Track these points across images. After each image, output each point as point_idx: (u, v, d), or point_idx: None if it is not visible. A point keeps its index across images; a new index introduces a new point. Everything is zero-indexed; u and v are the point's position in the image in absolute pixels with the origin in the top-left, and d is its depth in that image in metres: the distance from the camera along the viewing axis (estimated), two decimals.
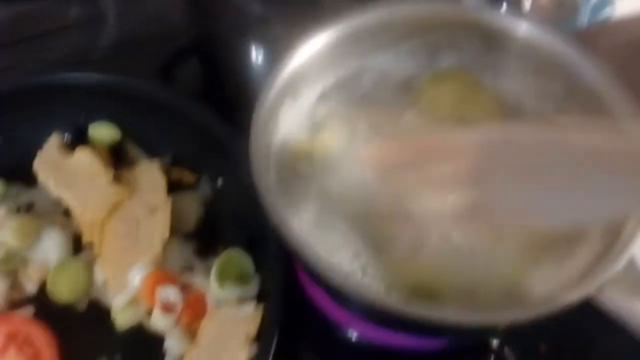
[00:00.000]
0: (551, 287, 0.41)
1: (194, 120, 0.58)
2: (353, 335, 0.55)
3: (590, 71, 0.48)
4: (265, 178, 0.44)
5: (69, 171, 0.57)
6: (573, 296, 0.38)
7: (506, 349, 0.57)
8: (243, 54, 0.78)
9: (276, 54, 0.76)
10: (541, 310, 0.37)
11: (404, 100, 0.53)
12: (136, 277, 0.52)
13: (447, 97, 0.52)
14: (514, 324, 0.38)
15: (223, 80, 0.74)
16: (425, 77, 0.52)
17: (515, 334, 0.56)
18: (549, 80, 0.50)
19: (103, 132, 0.62)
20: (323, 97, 0.54)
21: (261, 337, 0.48)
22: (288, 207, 0.45)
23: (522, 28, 0.51)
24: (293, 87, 0.51)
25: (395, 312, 0.38)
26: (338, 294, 0.45)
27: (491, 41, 0.52)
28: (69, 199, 0.56)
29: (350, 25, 0.52)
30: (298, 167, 0.48)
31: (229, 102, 0.62)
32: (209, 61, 0.78)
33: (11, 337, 0.50)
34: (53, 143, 0.60)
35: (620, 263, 0.39)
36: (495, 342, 0.57)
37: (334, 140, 0.50)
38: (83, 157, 0.58)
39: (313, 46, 0.52)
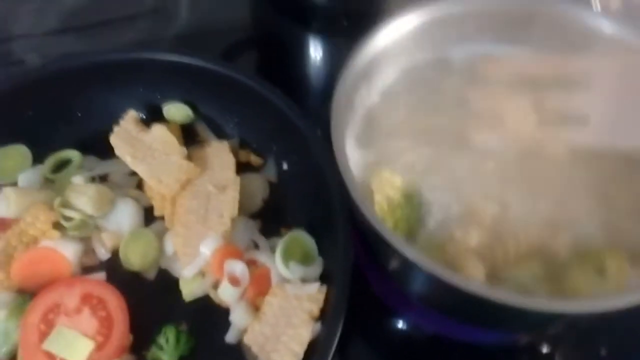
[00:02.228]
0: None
1: (266, 103, 0.60)
2: (407, 323, 0.56)
3: None
4: (346, 157, 0.44)
5: (145, 146, 0.60)
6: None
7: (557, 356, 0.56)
8: (304, 46, 0.80)
9: (338, 47, 0.79)
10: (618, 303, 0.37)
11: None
12: (206, 250, 0.54)
13: None
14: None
15: (281, 72, 0.76)
16: None
17: (573, 337, 0.55)
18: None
19: (177, 111, 0.64)
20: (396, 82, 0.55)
21: (326, 317, 0.49)
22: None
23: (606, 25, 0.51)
24: (368, 72, 0.52)
25: (467, 292, 0.38)
26: (407, 272, 0.46)
27: (573, 38, 0.52)
28: (144, 172, 0.58)
29: (429, 13, 0.53)
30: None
31: (287, 91, 0.63)
32: (268, 52, 0.80)
33: (86, 299, 0.52)
34: (130, 118, 0.62)
35: None
36: (545, 347, 0.56)
37: None
38: (158, 133, 0.60)
39: (389, 34, 0.53)
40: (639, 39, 0.49)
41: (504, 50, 0.54)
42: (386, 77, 0.54)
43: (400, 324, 0.56)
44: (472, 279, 0.42)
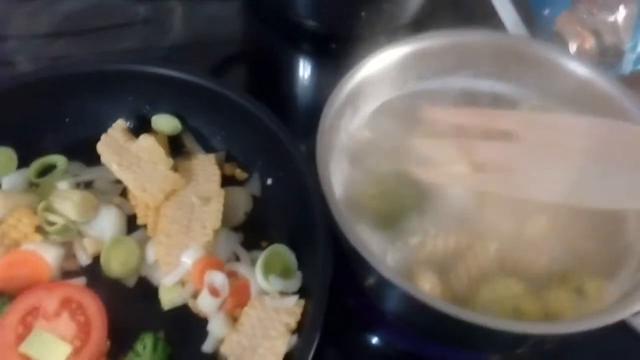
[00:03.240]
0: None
1: (253, 119, 0.61)
2: (382, 339, 0.57)
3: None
4: (330, 179, 0.46)
5: (131, 155, 0.60)
6: (610, 317, 0.40)
7: None
8: (293, 65, 0.82)
9: (326, 68, 0.81)
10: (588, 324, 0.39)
11: None
12: (187, 260, 0.55)
13: None
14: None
15: (270, 89, 0.78)
16: None
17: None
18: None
19: (166, 123, 0.65)
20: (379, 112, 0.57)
21: (303, 330, 0.51)
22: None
23: (574, 66, 0.54)
24: (354, 100, 0.55)
25: (442, 313, 0.40)
26: (383, 292, 0.48)
27: (544, 73, 0.55)
28: (129, 180, 0.59)
29: (415, 47, 0.56)
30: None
31: (273, 108, 0.65)
32: (258, 69, 0.82)
33: (65, 303, 0.52)
34: (118, 127, 0.63)
35: None
36: None
37: None
38: (146, 143, 0.61)
39: (377, 63, 0.56)
40: (608, 83, 0.52)
41: (482, 85, 0.57)
42: (371, 104, 0.56)
43: (375, 340, 0.57)
44: (425, 290, 0.44)
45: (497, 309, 0.45)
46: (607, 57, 0.74)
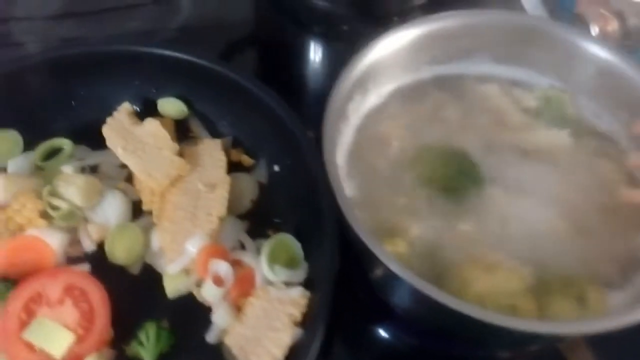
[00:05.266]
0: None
1: (260, 104, 0.60)
2: (390, 332, 0.56)
3: None
4: (336, 167, 0.45)
5: (137, 139, 0.59)
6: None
7: None
8: (303, 48, 0.80)
9: (337, 51, 0.79)
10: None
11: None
12: (192, 248, 0.54)
13: None
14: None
15: (279, 72, 0.76)
16: None
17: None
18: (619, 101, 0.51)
19: (172, 107, 0.64)
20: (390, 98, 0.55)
21: (308, 322, 0.49)
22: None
23: (596, 49, 0.52)
24: (363, 83, 0.53)
25: (449, 308, 0.39)
26: (391, 284, 0.46)
27: (564, 57, 0.52)
28: (134, 165, 0.58)
29: (428, 28, 0.54)
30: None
31: (283, 93, 0.63)
32: (268, 52, 0.80)
33: (69, 290, 0.52)
34: (123, 111, 0.62)
35: None
36: None
37: None
38: (151, 127, 0.60)
39: (388, 45, 0.53)
40: (630, 66, 0.50)
41: (498, 70, 0.55)
42: (382, 88, 0.54)
43: (384, 333, 0.56)
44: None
45: (492, 303, 0.44)
46: (630, 40, 0.71)
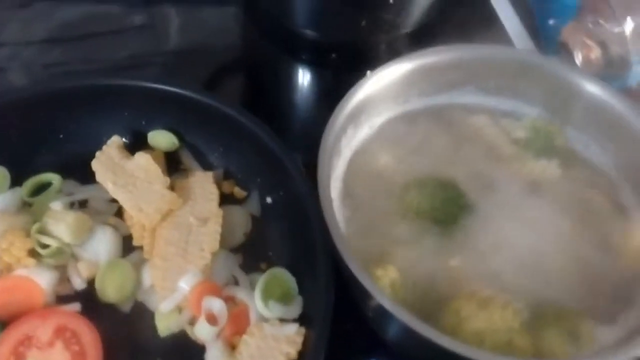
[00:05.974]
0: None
1: (250, 135, 0.59)
2: None
3: None
4: (330, 201, 0.45)
5: (127, 174, 0.59)
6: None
7: None
8: (292, 76, 0.81)
9: (325, 78, 0.79)
10: None
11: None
12: (185, 285, 0.53)
13: None
14: None
15: (268, 100, 0.76)
16: None
17: None
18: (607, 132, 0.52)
19: (162, 139, 0.63)
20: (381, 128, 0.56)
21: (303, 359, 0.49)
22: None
23: (583, 82, 0.53)
24: (355, 117, 0.53)
25: (440, 346, 0.39)
26: (383, 321, 0.46)
27: (552, 89, 0.53)
28: (125, 200, 0.58)
29: (418, 62, 0.54)
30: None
31: (271, 120, 0.63)
32: (256, 79, 0.81)
33: (59, 332, 0.51)
34: (113, 144, 0.61)
35: None
36: None
37: None
38: (142, 161, 0.59)
39: (379, 80, 0.54)
40: (617, 100, 0.51)
41: (487, 101, 0.56)
42: (373, 121, 0.54)
43: None
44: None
45: (489, 340, 0.44)
46: (613, 68, 0.72)
